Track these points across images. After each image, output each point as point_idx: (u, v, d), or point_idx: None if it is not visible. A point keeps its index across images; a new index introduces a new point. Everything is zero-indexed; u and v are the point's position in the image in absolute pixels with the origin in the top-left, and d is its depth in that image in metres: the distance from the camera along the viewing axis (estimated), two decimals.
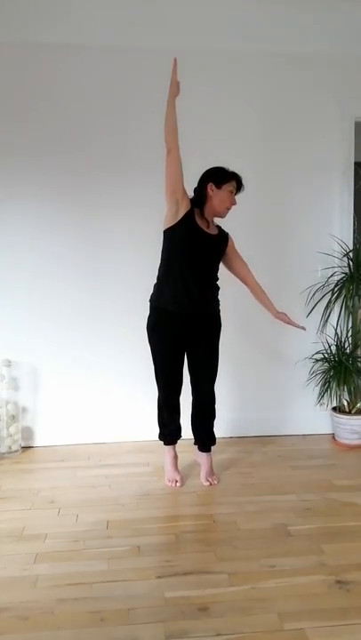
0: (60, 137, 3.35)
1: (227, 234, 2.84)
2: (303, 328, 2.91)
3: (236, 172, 2.73)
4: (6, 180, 3.34)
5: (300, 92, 3.50)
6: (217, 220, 2.82)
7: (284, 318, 2.87)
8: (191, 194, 2.71)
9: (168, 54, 3.32)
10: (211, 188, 2.69)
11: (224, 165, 2.73)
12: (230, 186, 2.69)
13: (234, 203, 2.73)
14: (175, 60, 2.60)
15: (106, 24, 3.25)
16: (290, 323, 2.88)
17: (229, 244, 2.84)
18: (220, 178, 2.69)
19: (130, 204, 3.41)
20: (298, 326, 2.89)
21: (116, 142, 3.39)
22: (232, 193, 2.70)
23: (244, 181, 2.75)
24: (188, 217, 2.66)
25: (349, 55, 3.49)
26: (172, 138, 2.59)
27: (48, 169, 3.36)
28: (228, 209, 2.73)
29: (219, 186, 2.68)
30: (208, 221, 2.74)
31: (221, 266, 2.86)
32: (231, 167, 3.37)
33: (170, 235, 2.70)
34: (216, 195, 2.69)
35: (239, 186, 2.74)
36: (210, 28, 3.29)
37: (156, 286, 2.81)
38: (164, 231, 2.71)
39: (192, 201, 2.69)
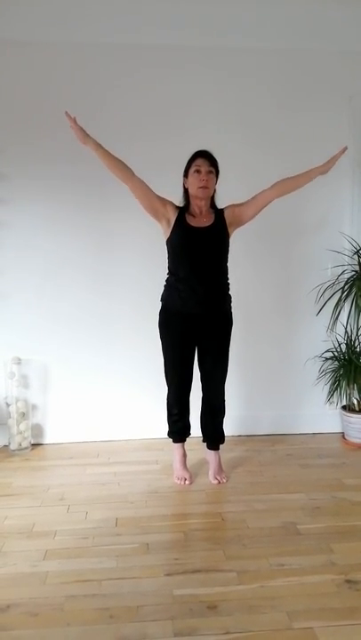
0: (70, 141, 3.33)
1: (222, 212, 2.76)
2: (345, 148, 2.69)
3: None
4: (18, 183, 3.35)
5: (310, 88, 3.48)
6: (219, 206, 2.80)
7: (332, 162, 2.69)
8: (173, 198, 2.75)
9: (176, 52, 3.35)
10: (184, 182, 2.73)
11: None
12: (194, 167, 2.67)
13: (203, 179, 2.64)
14: (67, 112, 2.59)
15: (118, 23, 3.25)
16: (336, 157, 2.70)
17: (228, 215, 2.73)
18: (185, 168, 2.72)
19: (138, 207, 3.39)
20: (340, 152, 2.70)
21: (126, 145, 3.35)
22: (198, 172, 2.65)
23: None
24: (179, 221, 2.69)
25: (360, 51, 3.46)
26: (120, 175, 2.65)
27: (59, 172, 3.36)
28: (201, 188, 2.65)
29: (186, 175, 2.71)
30: (200, 214, 2.72)
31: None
32: (240, 163, 3.38)
33: (168, 243, 2.75)
34: (188, 183, 2.71)
35: (212, 161, 2.68)
36: (216, 25, 3.27)
37: (165, 286, 2.82)
38: (166, 242, 2.77)
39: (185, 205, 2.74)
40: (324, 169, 2.69)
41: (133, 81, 3.36)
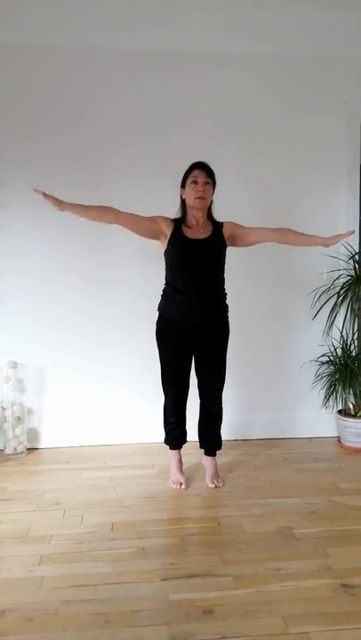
0: (67, 145, 3.36)
1: (221, 225, 2.76)
2: (352, 232, 2.68)
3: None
4: (14, 186, 3.35)
5: (307, 94, 3.50)
6: (220, 215, 2.81)
7: (335, 240, 2.67)
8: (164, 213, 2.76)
9: (173, 58, 3.38)
10: (182, 193, 2.74)
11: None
12: (191, 178, 2.68)
13: (200, 190, 2.65)
14: (35, 189, 2.62)
15: (117, 27, 3.27)
16: (341, 237, 2.69)
17: (227, 230, 2.74)
18: (182, 179, 2.73)
19: (135, 211, 3.39)
20: (346, 234, 2.72)
21: (123, 148, 3.39)
22: (196, 183, 2.66)
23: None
24: (176, 233, 2.70)
25: (356, 57, 3.49)
26: (105, 220, 2.69)
27: (55, 176, 3.35)
28: (198, 198, 2.65)
29: (183, 186, 2.72)
30: (197, 225, 2.73)
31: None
32: (238, 168, 3.40)
33: (166, 255, 2.76)
34: (185, 194, 2.71)
35: (209, 172, 2.68)
36: (214, 31, 3.29)
37: (162, 296, 2.83)
38: (163, 254, 2.77)
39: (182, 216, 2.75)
40: (327, 243, 2.69)
41: (131, 86, 3.38)
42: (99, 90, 3.37)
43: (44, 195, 2.61)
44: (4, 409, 3.37)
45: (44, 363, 3.47)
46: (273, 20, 3.29)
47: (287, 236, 2.75)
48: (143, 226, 2.72)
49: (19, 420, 3.34)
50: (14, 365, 3.37)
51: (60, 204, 2.63)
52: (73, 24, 3.20)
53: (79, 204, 2.66)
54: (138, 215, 2.71)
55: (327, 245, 2.71)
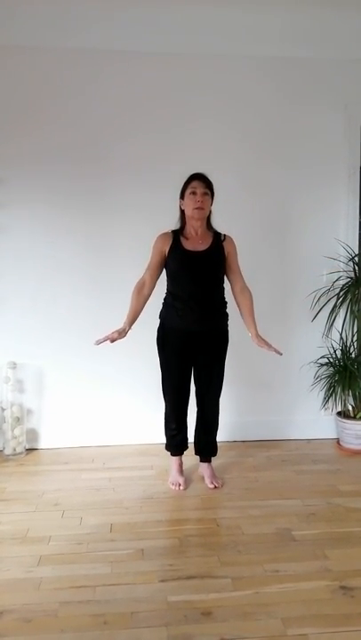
0: (67, 144, 3.36)
1: (223, 239, 2.78)
2: (280, 353, 2.75)
3: (240, 173, 2.73)
4: (14, 186, 3.35)
5: (306, 95, 3.50)
6: (220, 225, 2.82)
7: (262, 344, 2.75)
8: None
9: (173, 59, 3.38)
10: (181, 204, 2.75)
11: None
12: (190, 188, 2.69)
13: (198, 200, 2.66)
14: (97, 342, 2.71)
15: (110, 29, 3.27)
16: (270, 348, 2.74)
17: (227, 246, 2.77)
18: (181, 190, 2.74)
19: (136, 211, 3.41)
20: (276, 351, 2.73)
21: (122, 147, 3.40)
22: (194, 194, 2.67)
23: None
24: (175, 247, 2.72)
25: (356, 59, 3.49)
26: (147, 294, 2.78)
27: (55, 176, 3.37)
28: (197, 209, 2.67)
29: (183, 196, 2.73)
30: (196, 235, 2.74)
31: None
32: (235, 171, 3.40)
33: (166, 267, 2.79)
34: (184, 205, 2.73)
35: (207, 183, 2.70)
36: (215, 33, 3.30)
37: (163, 304, 2.85)
38: (164, 265, 2.80)
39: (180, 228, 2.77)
40: (253, 339, 2.78)
41: (132, 86, 3.38)
42: (98, 89, 3.37)
43: (112, 339, 2.69)
44: (3, 409, 3.36)
45: (44, 363, 3.47)
46: (273, 22, 3.29)
47: (243, 303, 2.81)
48: (159, 264, 2.79)
49: (18, 420, 3.34)
50: (14, 366, 3.37)
51: (123, 331, 2.73)
52: (75, 25, 3.21)
53: (129, 313, 2.77)
54: (150, 263, 2.78)
55: (253, 341, 2.78)
